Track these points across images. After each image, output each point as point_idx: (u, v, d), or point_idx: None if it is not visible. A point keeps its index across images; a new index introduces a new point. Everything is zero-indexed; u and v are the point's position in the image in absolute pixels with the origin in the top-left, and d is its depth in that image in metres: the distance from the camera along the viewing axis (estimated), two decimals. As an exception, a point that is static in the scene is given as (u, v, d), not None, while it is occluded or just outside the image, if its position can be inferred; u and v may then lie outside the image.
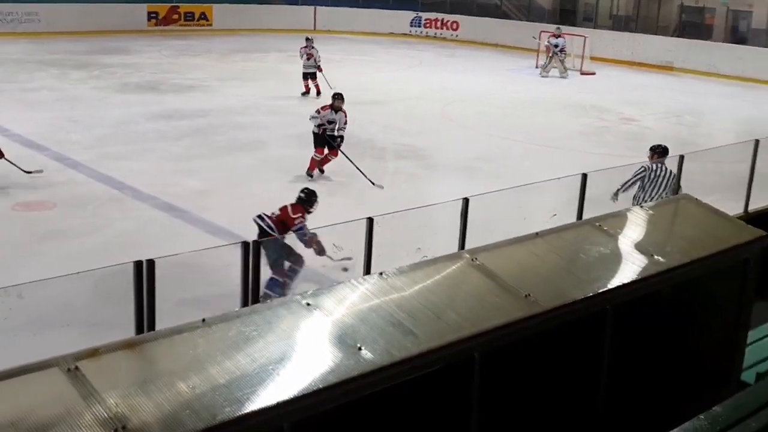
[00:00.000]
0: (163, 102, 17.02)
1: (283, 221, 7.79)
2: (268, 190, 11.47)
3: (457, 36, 30.57)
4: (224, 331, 3.56)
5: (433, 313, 3.93)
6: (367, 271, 5.70)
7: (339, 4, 31.27)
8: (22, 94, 17.12)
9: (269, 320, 3.69)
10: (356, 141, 14.73)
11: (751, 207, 9.48)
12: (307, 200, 8.23)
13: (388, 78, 20.88)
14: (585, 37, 24.11)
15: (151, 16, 28.90)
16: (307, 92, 19.11)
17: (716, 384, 4.84)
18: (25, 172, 11.12)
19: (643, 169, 8.79)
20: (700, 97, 21.27)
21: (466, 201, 6.76)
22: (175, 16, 29.39)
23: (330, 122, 12.35)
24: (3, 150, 10.99)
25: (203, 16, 29.99)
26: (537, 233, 4.72)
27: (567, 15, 30.53)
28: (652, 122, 17.63)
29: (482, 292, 4.24)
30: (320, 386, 3.30)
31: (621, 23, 29.05)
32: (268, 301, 3.96)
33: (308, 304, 3.82)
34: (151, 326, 4.84)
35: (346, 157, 12.02)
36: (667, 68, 24.75)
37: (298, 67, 23.41)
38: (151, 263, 4.82)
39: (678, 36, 26.73)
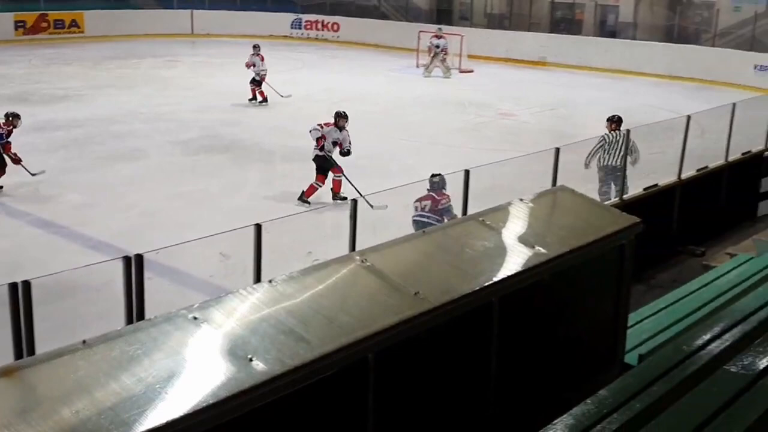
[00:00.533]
0: (34, 114, 16.16)
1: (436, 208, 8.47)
2: (150, 199, 11.17)
3: (338, 37, 30.61)
4: (107, 352, 3.41)
5: (325, 318, 3.89)
6: (257, 279, 5.60)
7: (216, 7, 30.75)
8: None
9: (154, 337, 3.57)
10: (243, 145, 14.54)
11: (626, 194, 9.91)
12: (441, 183, 8.70)
13: (272, 81, 20.51)
14: (462, 36, 24.62)
15: (19, 25, 27.50)
16: (254, 98, 18.68)
17: (601, 368, 5.03)
18: (31, 174, 11.57)
19: (602, 138, 10.51)
20: (573, 89, 22.11)
21: (354, 202, 6.76)
22: (44, 24, 28.07)
23: (335, 143, 11.72)
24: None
25: (74, 24, 28.76)
26: (424, 231, 4.76)
27: (443, 14, 31.08)
28: (528, 116, 18.20)
29: (373, 293, 4.24)
30: (211, 401, 3.21)
31: (496, 21, 29.85)
32: (153, 317, 3.82)
33: (195, 318, 3.71)
34: (31, 351, 4.60)
35: (347, 179, 11.42)
36: (541, 63, 25.58)
37: (175, 72, 22.88)
38: (26, 285, 4.58)
39: (550, 32, 27.69)
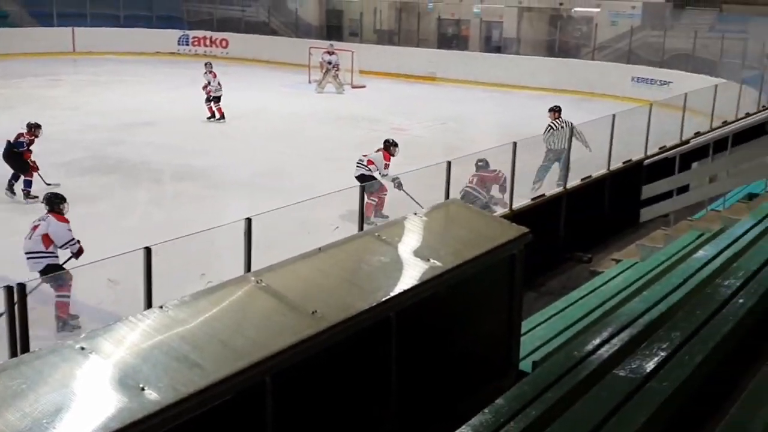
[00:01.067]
0: None
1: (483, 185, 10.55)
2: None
3: (227, 53, 30.28)
4: (-12, 389, 3.21)
5: (220, 342, 3.80)
6: (148, 304, 5.43)
7: (99, 24, 29.84)
8: None
9: (40, 370, 3.39)
10: (131, 164, 14.12)
11: (515, 205, 10.18)
12: (485, 164, 10.78)
13: (160, 98, 20.15)
14: (352, 52, 24.81)
15: None
16: (212, 116, 18.74)
17: (497, 376, 5.11)
18: (46, 184, 12.21)
19: (549, 126, 12.72)
20: (461, 104, 22.61)
21: (248, 221, 6.66)
22: None
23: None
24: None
25: (-54, 43, 27.30)
26: (320, 248, 4.73)
27: (333, 30, 31.29)
28: (420, 130, 18.48)
29: (269, 314, 4.17)
30: (102, 435, 3.07)
31: (385, 37, 30.26)
32: (38, 349, 3.63)
33: (83, 348, 3.54)
34: None
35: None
36: (430, 78, 26.06)
37: (57, 91, 22.07)
38: None
39: (438, 48, 28.26)
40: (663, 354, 3.66)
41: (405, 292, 4.46)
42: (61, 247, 7.94)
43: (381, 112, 20.60)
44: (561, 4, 26.71)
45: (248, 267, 6.65)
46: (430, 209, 5.62)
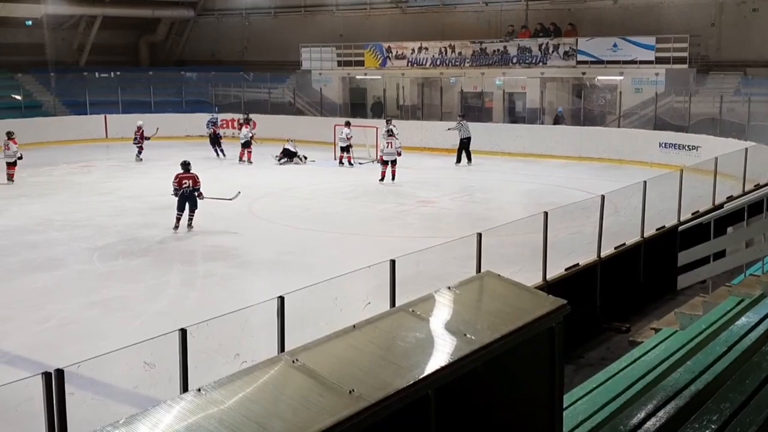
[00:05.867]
0: (-57, 228, 15.65)
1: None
2: (67, 309, 10.80)
3: (255, 133, 30.84)
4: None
5: (257, 425, 3.75)
6: (184, 387, 5.40)
7: (130, 111, 30.66)
8: None
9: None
10: (162, 247, 14.28)
11: (548, 275, 10.09)
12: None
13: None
14: (376, 128, 25.19)
15: (-75, 137, 26.66)
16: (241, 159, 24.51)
17: (540, 452, 4.98)
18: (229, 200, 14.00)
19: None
20: (487, 174, 22.74)
21: (281, 300, 6.66)
22: (-48, 137, 27.32)
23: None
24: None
25: (-16, 134, 28.13)
26: (354, 325, 4.70)
27: (357, 108, 31.86)
28: (447, 202, 18.56)
29: (306, 394, 4.12)
30: None
31: (408, 112, 30.74)
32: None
33: (121, 435, 3.52)
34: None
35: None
36: (455, 151, 26.30)
37: (90, 177, 22.60)
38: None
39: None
40: (714, 427, 3.56)
41: (443, 368, 4.39)
42: None
43: (407, 186, 20.76)
44: (584, 73, 27.01)
45: (282, 346, 6.62)
46: (463, 282, 5.57)
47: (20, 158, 21.40)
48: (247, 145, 25.37)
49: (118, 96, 31.69)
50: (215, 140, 26.79)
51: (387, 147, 21.44)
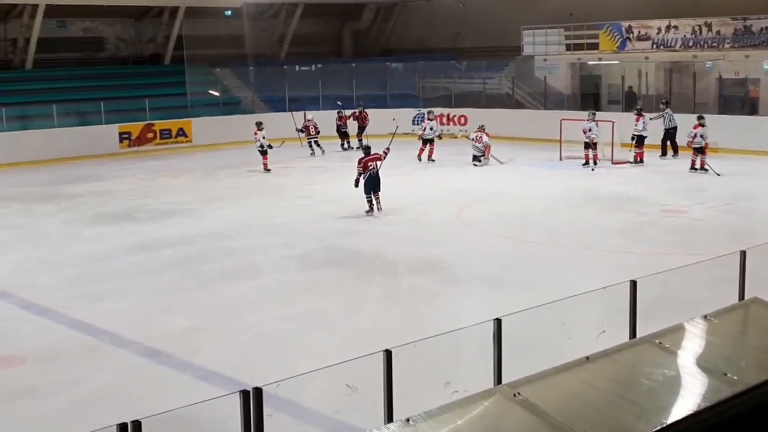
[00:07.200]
0: (141, 231, 17.17)
1: None
2: (264, 322, 11.44)
3: (466, 131, 31.11)
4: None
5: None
6: (389, 415, 5.55)
7: (329, 107, 32.00)
8: (-21, 236, 17.28)
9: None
10: (362, 257, 14.78)
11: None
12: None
13: (394, 182, 20.99)
14: (613, 122, 24.49)
15: (123, 136, 29.54)
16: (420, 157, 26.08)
17: None
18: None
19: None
20: (752, 179, 21.43)
21: (498, 322, 6.66)
22: (150, 135, 30.05)
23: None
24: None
25: (181, 132, 30.66)
26: (587, 357, 4.61)
27: (589, 99, 31.23)
28: (700, 213, 17.68)
29: (529, 434, 4.10)
30: None
31: (653, 103, 29.63)
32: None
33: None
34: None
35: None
36: (711, 150, 25.01)
37: (289, 179, 23.92)
38: (137, 425, 4.70)
39: (720, 113, 27.18)
40: None
41: (697, 413, 4.20)
42: None
43: (650, 192, 20.03)
44: None
45: (498, 376, 6.61)
46: (722, 311, 5.31)
47: (269, 147, 24.82)
48: (428, 141, 26.09)
49: (319, 90, 33.25)
50: (343, 134, 29.16)
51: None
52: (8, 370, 9.99)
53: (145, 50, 36.26)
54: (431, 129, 26.30)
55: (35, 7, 30.45)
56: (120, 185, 23.31)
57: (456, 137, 30.14)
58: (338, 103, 30.49)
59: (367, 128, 29.12)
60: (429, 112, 27.40)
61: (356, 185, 18.10)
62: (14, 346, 10.76)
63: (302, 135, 28.08)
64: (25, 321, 11.81)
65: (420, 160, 25.87)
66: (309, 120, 28.51)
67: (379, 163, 18.21)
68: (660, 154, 25.26)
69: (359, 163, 18.22)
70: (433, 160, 25.75)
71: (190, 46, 33.85)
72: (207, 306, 12.31)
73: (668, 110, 25.34)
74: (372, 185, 18.01)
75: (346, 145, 29.10)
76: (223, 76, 35.04)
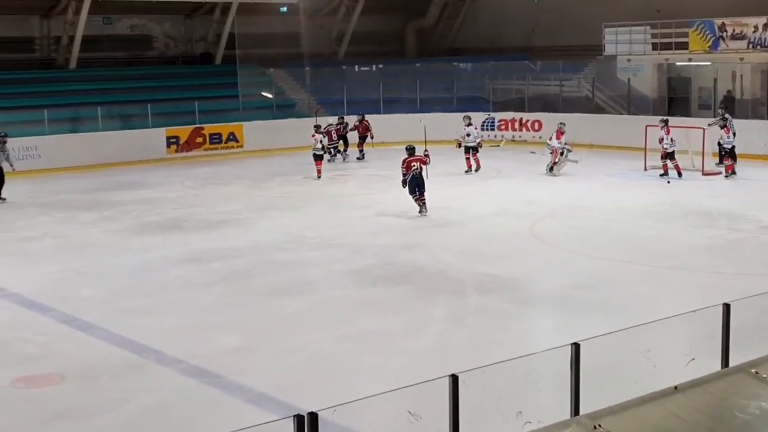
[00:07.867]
0: (189, 242, 17.40)
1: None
2: (318, 341, 11.47)
3: (539, 137, 30.90)
4: None
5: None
6: (456, 446, 5.51)
7: (391, 110, 32.09)
8: (20, 245, 17.62)
9: None
10: (426, 273, 14.76)
11: None
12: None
13: (461, 193, 21.04)
14: (704, 129, 24.07)
15: (171, 141, 30.00)
16: (468, 169, 25.50)
17: None
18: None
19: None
20: None
21: (576, 347, 6.58)
22: (199, 139, 30.47)
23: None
24: None
25: (232, 137, 31.00)
26: (676, 387, 4.53)
27: (678, 103, 30.81)
28: (803, 230, 17.30)
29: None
30: None
31: (748, 108, 29.08)
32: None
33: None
34: None
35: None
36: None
37: (345, 188, 24.06)
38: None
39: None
40: None
41: (800, 452, 4.09)
42: None
43: (745, 206, 19.65)
44: None
45: (576, 406, 6.53)
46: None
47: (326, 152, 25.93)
48: (471, 150, 25.60)
49: (380, 93, 33.34)
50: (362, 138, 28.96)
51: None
52: (46, 389, 10.17)
53: (195, 49, 36.87)
54: (468, 135, 25.69)
55: (80, 3, 31.13)
56: (167, 193, 23.66)
57: (498, 145, 30.11)
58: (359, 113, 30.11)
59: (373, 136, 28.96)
60: (466, 117, 26.51)
61: (404, 185, 19.26)
62: (53, 364, 10.93)
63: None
64: (65, 336, 12.02)
65: (470, 170, 25.48)
66: (330, 124, 28.46)
67: (422, 165, 19.15)
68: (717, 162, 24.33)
69: (402, 163, 19.29)
70: (477, 170, 25.40)
71: (243, 45, 34.24)
72: (257, 323, 12.40)
73: (727, 115, 24.47)
74: (416, 185, 19.12)
75: (333, 152, 28.53)
76: (277, 77, 35.42)
